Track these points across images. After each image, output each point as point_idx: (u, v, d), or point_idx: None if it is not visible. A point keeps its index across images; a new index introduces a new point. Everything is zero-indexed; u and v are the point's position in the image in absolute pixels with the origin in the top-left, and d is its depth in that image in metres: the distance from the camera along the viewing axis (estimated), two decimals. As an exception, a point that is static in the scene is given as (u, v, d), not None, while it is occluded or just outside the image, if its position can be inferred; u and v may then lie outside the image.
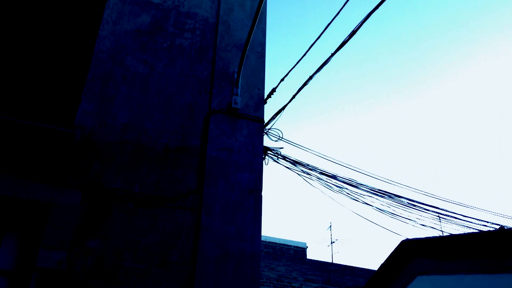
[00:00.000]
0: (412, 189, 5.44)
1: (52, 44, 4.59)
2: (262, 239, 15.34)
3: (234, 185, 4.37)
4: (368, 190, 5.31)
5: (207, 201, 4.15)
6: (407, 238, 7.59)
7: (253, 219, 4.27)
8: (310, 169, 5.31)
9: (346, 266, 15.63)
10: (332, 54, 4.22)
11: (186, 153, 4.36)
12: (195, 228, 4.00)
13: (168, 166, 4.23)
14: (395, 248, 8.02)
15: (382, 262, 8.49)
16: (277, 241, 15.45)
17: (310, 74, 4.63)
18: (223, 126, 4.65)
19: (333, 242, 16.04)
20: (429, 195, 5.56)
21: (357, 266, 15.75)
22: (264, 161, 5.24)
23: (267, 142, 7.23)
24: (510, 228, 5.82)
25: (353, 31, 3.80)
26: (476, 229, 5.80)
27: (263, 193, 4.48)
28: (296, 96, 4.76)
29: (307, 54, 4.86)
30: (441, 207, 5.94)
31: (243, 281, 3.90)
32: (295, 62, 4.87)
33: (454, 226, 6.00)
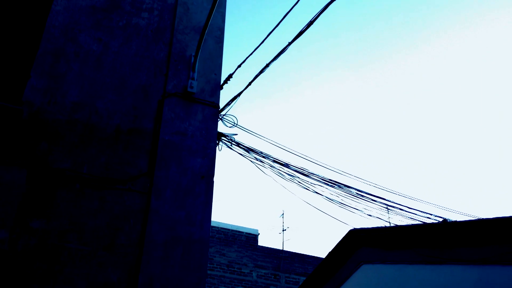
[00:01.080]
0: (361, 180, 5.58)
1: (1, 16, 4.40)
2: (215, 225, 15.38)
3: (186, 170, 4.35)
4: (319, 179, 5.40)
5: (158, 185, 4.12)
6: (354, 228, 7.78)
7: (203, 204, 4.27)
8: (263, 157, 5.35)
9: (296, 253, 15.90)
10: (289, 43, 4.25)
11: (138, 135, 4.30)
12: (144, 212, 3.96)
13: (119, 148, 4.15)
14: (343, 237, 8.20)
15: (330, 250, 8.68)
16: (229, 227, 15.53)
17: (269, 61, 4.64)
18: (177, 109, 4.60)
19: (285, 229, 16.26)
20: (378, 186, 5.72)
21: (307, 254, 16.05)
22: (217, 147, 5.24)
23: (221, 128, 7.20)
24: (452, 221, 6.07)
25: (310, 21, 3.83)
26: (420, 221, 6.02)
27: (215, 179, 4.48)
28: (253, 83, 4.76)
29: (267, 40, 4.86)
30: (388, 199, 6.13)
31: (191, 266, 3.91)
32: (254, 49, 4.86)
33: (400, 217, 6.20)
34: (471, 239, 5.97)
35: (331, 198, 5.51)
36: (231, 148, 5.24)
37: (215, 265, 14.77)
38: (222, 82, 5.09)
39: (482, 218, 5.63)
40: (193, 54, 4.86)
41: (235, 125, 5.19)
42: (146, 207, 3.97)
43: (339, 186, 5.49)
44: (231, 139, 5.20)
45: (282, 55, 4.65)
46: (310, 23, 3.90)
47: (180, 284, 3.77)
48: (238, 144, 5.27)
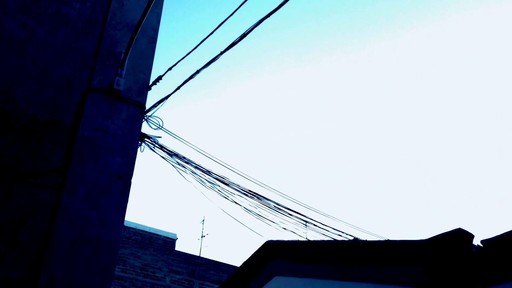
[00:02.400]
0: (280, 194, 5.70)
1: None
2: (132, 226, 15.02)
3: (103, 169, 4.24)
4: (239, 189, 5.45)
5: (71, 182, 3.98)
6: (270, 240, 7.91)
7: (118, 206, 4.17)
8: (186, 162, 5.33)
9: (212, 261, 15.87)
10: (221, 53, 4.28)
11: (56, 128, 4.14)
12: (53, 208, 3.81)
13: (34, 140, 3.98)
14: (259, 248, 8.32)
15: (245, 260, 8.77)
16: (147, 230, 15.24)
17: (199, 68, 4.64)
18: (101, 106, 4.49)
19: (204, 236, 16.20)
20: (295, 201, 5.86)
21: (223, 262, 16.07)
22: (140, 148, 5.16)
23: (146, 129, 7.09)
24: (361, 240, 6.34)
25: (243, 34, 3.90)
26: (332, 238, 6.23)
27: (136, 180, 4.41)
28: (187, 86, 4.75)
29: (204, 44, 4.85)
30: (305, 214, 6.29)
31: (97, 267, 3.80)
32: (186, 53, 4.85)
33: (314, 233, 6.38)
34: (376, 259, 6.25)
35: (249, 209, 5.57)
36: (153, 151, 5.18)
37: (128, 267, 14.42)
38: (151, 83, 5.03)
39: (386, 240, 5.92)
40: (124, 51, 4.77)
41: (160, 127, 5.14)
42: (56, 203, 3.83)
43: (258, 198, 5.58)
44: (154, 141, 5.14)
45: (216, 61, 4.67)
46: (244, 35, 3.96)
47: (83, 286, 3.66)
48: (161, 147, 5.22)
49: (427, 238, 5.80)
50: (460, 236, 5.63)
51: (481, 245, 5.50)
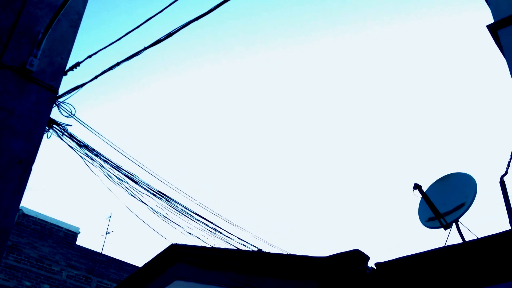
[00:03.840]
0: (189, 197, 5.65)
1: None
2: (32, 214, 14.22)
3: (3, 151, 3.99)
4: (148, 189, 5.34)
5: (-36, 160, 3.71)
6: (175, 243, 7.81)
7: (14, 192, 3.94)
8: (95, 155, 5.14)
9: (114, 259, 15.38)
10: (145, 48, 4.20)
11: (-46, 101, 3.85)
12: None
13: None
14: (163, 250, 8.18)
15: (148, 261, 8.58)
16: (48, 220, 14.49)
17: (120, 60, 4.52)
18: (9, 84, 4.23)
19: (108, 232, 15.67)
20: (204, 206, 5.84)
21: (125, 261, 15.62)
22: (47, 134, 4.91)
23: (57, 116, 6.75)
24: (264, 252, 6.42)
25: (170, 33, 3.85)
26: (235, 247, 6.26)
27: (42, 168, 4.18)
28: (100, 77, 4.59)
29: (134, 34, 4.72)
30: (212, 220, 6.29)
31: (-19, 255, 3.55)
32: (109, 43, 4.70)
33: (220, 240, 6.39)
34: (277, 271, 6.36)
35: (156, 210, 5.47)
36: (61, 139, 4.94)
37: (23, 257, 13.61)
38: (67, 68, 4.82)
39: (288, 254, 6.05)
40: (42, 31, 4.53)
41: (72, 115, 4.92)
42: None
43: (167, 199, 5.49)
44: (63, 129, 4.91)
45: (141, 56, 4.56)
46: (170, 34, 3.91)
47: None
48: (70, 136, 4.99)
49: (326, 255, 5.98)
50: (357, 257, 5.86)
51: (375, 268, 5.76)
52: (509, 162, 5.73)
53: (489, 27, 6.51)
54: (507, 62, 6.14)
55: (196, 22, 3.83)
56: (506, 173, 5.80)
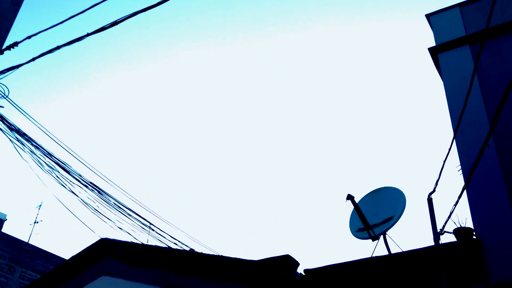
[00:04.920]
0: (123, 192, 5.51)
1: None
2: (-45, 197, 13.42)
3: None
4: (80, 179, 5.16)
5: None
6: (106, 238, 7.62)
7: None
8: (26, 140, 4.91)
9: (40, 249, 14.78)
10: (88, 34, 4.04)
11: None
12: None
13: None
14: (92, 244, 7.95)
15: (75, 254, 8.32)
16: (-28, 204, 13.74)
17: (61, 44, 4.34)
18: None
19: (37, 222, 15.04)
20: (137, 202, 5.72)
21: (52, 252, 15.05)
22: (-26, 113, 4.64)
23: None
24: (196, 252, 6.38)
25: (115, 21, 3.75)
26: (167, 245, 6.18)
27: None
28: (38, 60, 4.38)
29: (76, 23, 4.55)
30: (145, 217, 6.17)
31: None
32: (50, 26, 4.51)
33: (150, 237, 6.28)
34: (208, 272, 6.34)
35: (86, 202, 5.29)
36: (-10, 119, 4.68)
37: None
38: (4, 47, 4.58)
39: (219, 255, 6.03)
40: (-21, 5, 4.29)
41: (5, 96, 4.68)
42: None
43: (99, 192, 5.33)
44: (-5, 110, 4.65)
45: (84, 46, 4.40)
46: (115, 23, 3.81)
47: None
48: (1, 118, 4.74)
49: (257, 259, 6.02)
50: (287, 262, 5.93)
51: (304, 274, 5.86)
52: (437, 181, 5.98)
53: (430, 49, 6.79)
54: (444, 84, 6.42)
55: (147, 15, 3.75)
56: (434, 191, 6.06)
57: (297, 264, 5.95)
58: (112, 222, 5.53)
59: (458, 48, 6.56)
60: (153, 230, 5.88)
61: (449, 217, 5.58)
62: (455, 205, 5.42)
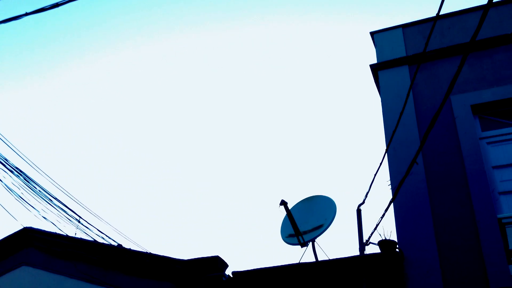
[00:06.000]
0: (52, 181, 5.31)
1: None
2: None
3: None
4: (5, 163, 4.92)
5: None
6: (30, 227, 7.33)
7: None
8: (-50, 118, 4.62)
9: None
10: (26, 14, 3.87)
11: None
12: None
13: None
14: (14, 232, 7.63)
15: (-6, 242, 7.94)
16: None
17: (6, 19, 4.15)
18: None
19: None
20: (65, 192, 5.53)
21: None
22: None
23: None
24: (123, 248, 6.24)
25: (56, 3, 3.62)
26: (93, 239, 6.01)
27: None
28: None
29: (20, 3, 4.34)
30: (73, 209, 5.98)
31: None
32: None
33: (76, 229, 6.09)
34: (134, 269, 6.22)
35: (11, 188, 5.05)
36: None
37: None
38: None
39: (147, 252, 5.95)
40: None
41: None
42: None
43: (25, 178, 5.11)
44: None
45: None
46: (56, 5, 3.68)
47: None
48: None
49: (186, 259, 5.98)
50: (216, 263, 5.93)
51: (231, 276, 5.88)
52: (367, 193, 6.18)
53: (372, 66, 7.02)
54: (381, 101, 6.65)
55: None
56: (363, 202, 6.26)
57: (226, 265, 5.96)
58: (36, 211, 5.31)
59: (397, 67, 6.81)
60: (80, 223, 5.71)
61: (375, 228, 5.77)
62: (382, 217, 5.62)
